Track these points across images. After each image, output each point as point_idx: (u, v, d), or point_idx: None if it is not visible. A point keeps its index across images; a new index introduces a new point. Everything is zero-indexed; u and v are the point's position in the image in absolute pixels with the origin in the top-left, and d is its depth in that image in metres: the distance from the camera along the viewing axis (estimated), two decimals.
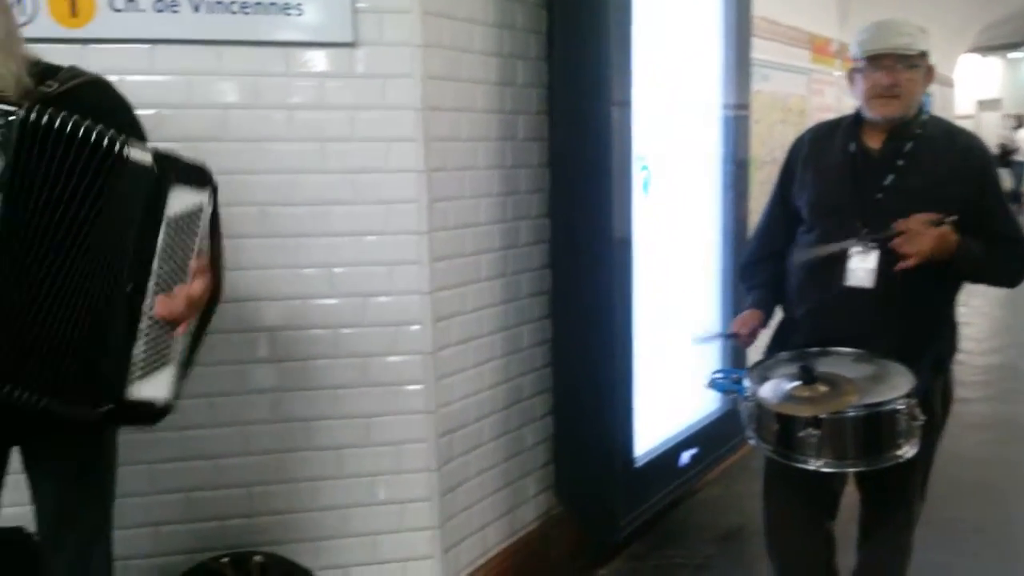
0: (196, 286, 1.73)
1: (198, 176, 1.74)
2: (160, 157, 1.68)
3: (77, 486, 1.88)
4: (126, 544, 2.41)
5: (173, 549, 2.49)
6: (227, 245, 2.42)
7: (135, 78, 2.32)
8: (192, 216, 1.72)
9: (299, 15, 2.36)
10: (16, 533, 2.30)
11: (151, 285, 1.68)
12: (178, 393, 1.78)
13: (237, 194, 2.42)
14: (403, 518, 2.66)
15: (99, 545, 1.94)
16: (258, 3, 2.33)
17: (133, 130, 1.77)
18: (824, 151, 2.44)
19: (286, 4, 2.34)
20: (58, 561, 1.88)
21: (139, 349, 1.69)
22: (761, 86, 4.26)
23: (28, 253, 1.58)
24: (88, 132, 1.58)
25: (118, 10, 2.26)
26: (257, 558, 2.31)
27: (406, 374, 2.62)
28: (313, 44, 2.41)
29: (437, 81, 2.58)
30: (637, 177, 2.93)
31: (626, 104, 2.81)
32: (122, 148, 1.62)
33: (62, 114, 1.57)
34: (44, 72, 1.72)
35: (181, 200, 1.69)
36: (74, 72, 1.76)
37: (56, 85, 1.69)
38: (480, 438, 2.87)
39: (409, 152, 2.53)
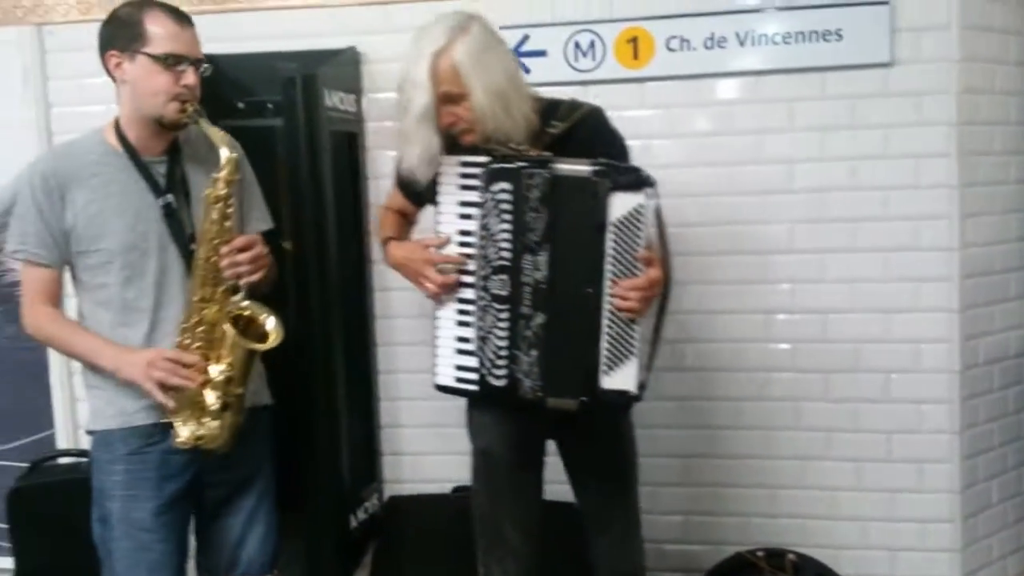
0: (643, 278, 1.81)
1: (633, 179, 1.82)
2: (596, 167, 1.82)
3: (611, 477, 2.13)
4: (658, 528, 2.70)
5: (699, 538, 2.72)
6: (756, 261, 2.63)
7: (683, 110, 2.60)
8: (634, 221, 1.81)
9: (838, 40, 2.47)
10: (567, 508, 2.68)
11: (606, 284, 1.82)
12: (645, 382, 1.89)
13: (767, 213, 2.60)
14: (924, 537, 2.63)
15: (636, 528, 2.17)
16: (800, 32, 2.48)
17: (618, 151, 1.96)
18: None
19: (826, 31, 2.47)
20: (602, 541, 2.14)
21: (604, 344, 1.84)
22: None
23: (562, 288, 1.85)
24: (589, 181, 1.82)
25: (672, 50, 2.54)
26: (791, 556, 2.43)
27: (930, 392, 2.59)
28: (849, 67, 2.50)
29: (972, 95, 2.53)
30: None
31: None
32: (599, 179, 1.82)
33: (580, 170, 1.82)
34: (547, 109, 1.96)
35: (622, 204, 1.81)
36: (573, 106, 1.99)
37: (560, 124, 1.94)
38: (1004, 464, 2.74)
39: (942, 167, 2.53)
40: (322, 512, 2.56)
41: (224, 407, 1.91)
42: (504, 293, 1.86)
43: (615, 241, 1.81)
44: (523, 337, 1.86)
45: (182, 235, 1.95)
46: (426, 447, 2.84)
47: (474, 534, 2.12)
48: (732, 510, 2.71)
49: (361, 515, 2.72)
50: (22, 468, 2.87)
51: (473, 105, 1.86)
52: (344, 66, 2.63)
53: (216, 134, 1.91)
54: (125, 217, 1.92)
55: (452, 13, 1.91)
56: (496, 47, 1.92)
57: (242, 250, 1.90)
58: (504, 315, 1.87)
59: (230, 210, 1.91)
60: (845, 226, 2.57)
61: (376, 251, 2.78)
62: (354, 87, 2.68)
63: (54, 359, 2.91)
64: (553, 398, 1.88)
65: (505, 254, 1.86)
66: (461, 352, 1.94)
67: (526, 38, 2.60)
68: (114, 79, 1.94)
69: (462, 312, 1.94)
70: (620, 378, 1.85)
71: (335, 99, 2.54)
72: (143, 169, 1.95)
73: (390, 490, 2.86)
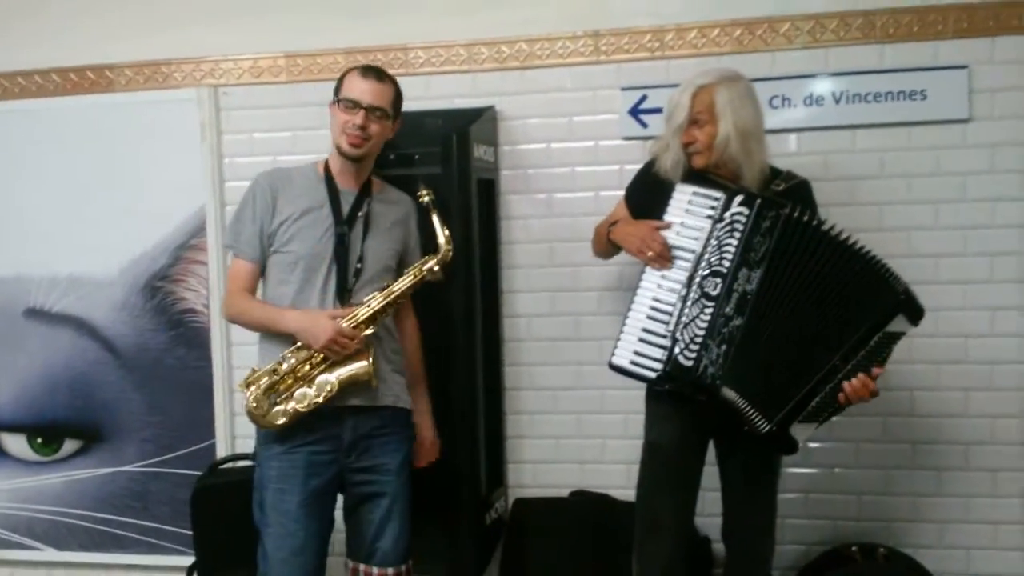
0: (874, 387, 2.21)
1: (917, 315, 2.24)
2: (907, 292, 2.21)
3: (759, 478, 2.49)
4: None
5: (793, 539, 3.04)
6: None
7: (781, 160, 2.93)
8: (894, 338, 2.23)
9: (923, 99, 2.83)
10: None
11: (848, 367, 2.20)
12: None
13: None
14: (996, 537, 2.95)
15: (770, 527, 2.52)
16: (888, 92, 2.84)
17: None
18: None
19: (912, 91, 2.83)
20: (739, 536, 2.52)
21: (814, 402, 2.23)
22: None
23: (777, 307, 2.22)
24: (828, 233, 2.21)
25: (775, 108, 2.90)
26: (882, 551, 2.75)
27: (1003, 407, 2.93)
28: (932, 122, 2.86)
29: None
30: None
31: None
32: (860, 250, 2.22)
33: (811, 215, 2.22)
34: (772, 170, 2.39)
35: (897, 324, 2.22)
36: (791, 175, 2.41)
37: (782, 184, 2.36)
38: None
39: (1013, 209, 2.87)
40: (463, 511, 2.91)
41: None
42: (714, 293, 2.23)
43: (875, 343, 2.20)
44: (719, 332, 2.21)
45: (345, 259, 2.36)
46: (546, 456, 3.19)
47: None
48: (823, 513, 3.03)
49: (492, 515, 3.07)
50: (187, 475, 3.27)
51: (717, 134, 2.27)
52: (485, 123, 3.00)
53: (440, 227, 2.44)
54: (315, 231, 2.35)
55: (728, 68, 2.44)
56: (754, 101, 2.35)
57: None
58: (709, 310, 2.23)
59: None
60: (928, 261, 2.91)
61: (506, 282, 3.16)
62: (492, 140, 3.06)
63: (218, 377, 3.29)
64: (727, 387, 2.21)
65: (726, 263, 2.22)
66: (642, 341, 2.30)
67: (644, 98, 2.98)
68: None
69: (654, 309, 2.30)
70: (802, 431, 2.25)
71: (480, 151, 2.92)
72: (334, 199, 2.38)
73: (515, 494, 3.21)
